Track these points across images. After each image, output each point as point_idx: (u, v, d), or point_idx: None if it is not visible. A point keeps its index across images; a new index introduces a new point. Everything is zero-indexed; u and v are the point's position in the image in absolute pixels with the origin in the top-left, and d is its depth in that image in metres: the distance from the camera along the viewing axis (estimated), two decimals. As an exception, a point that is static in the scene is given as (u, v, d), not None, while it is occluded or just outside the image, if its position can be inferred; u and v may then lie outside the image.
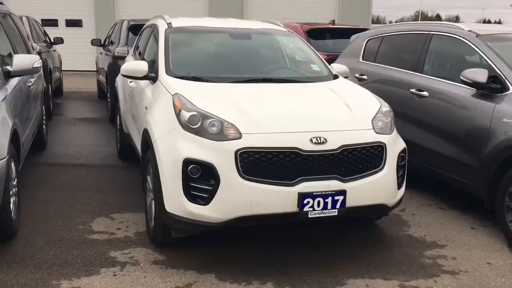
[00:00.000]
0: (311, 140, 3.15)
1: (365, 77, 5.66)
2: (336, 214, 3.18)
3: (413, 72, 4.97)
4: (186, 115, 3.24)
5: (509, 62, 4.14)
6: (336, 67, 4.66)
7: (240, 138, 3.09)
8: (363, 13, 16.82)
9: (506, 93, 3.96)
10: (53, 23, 16.25)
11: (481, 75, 4.04)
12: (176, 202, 3.13)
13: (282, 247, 3.63)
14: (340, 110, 3.53)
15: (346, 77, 4.61)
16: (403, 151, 3.60)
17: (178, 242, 3.54)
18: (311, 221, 3.17)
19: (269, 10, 16.04)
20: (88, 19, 16.62)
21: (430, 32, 4.95)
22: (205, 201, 3.06)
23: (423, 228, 4.12)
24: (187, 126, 3.21)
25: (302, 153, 3.11)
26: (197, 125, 3.18)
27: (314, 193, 3.10)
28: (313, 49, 4.76)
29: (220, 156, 3.05)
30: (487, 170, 3.97)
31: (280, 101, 3.60)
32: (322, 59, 4.63)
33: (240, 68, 4.18)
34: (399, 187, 3.54)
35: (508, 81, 3.98)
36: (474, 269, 3.44)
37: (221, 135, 3.12)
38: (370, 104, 3.70)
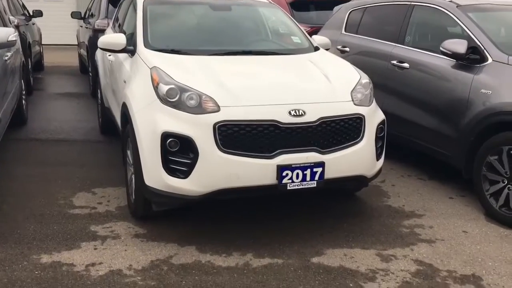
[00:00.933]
0: (289, 113, 3.15)
1: (347, 49, 5.64)
2: (315, 185, 3.21)
3: (394, 44, 4.96)
4: (164, 88, 3.21)
5: (489, 33, 4.15)
6: (317, 39, 4.64)
7: (218, 111, 3.08)
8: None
9: (484, 63, 3.98)
10: (32, -5, 15.79)
11: (460, 46, 4.04)
12: (155, 175, 3.13)
13: (263, 220, 3.67)
14: (319, 82, 3.52)
15: (327, 49, 4.59)
16: (382, 122, 3.62)
17: (159, 215, 3.56)
18: (290, 193, 3.21)
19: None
20: (68, -9, 16.20)
21: (412, 3, 4.92)
22: (184, 174, 3.07)
23: (402, 199, 4.19)
24: (165, 99, 3.18)
25: (281, 125, 3.11)
26: (175, 98, 3.16)
27: (292, 165, 3.12)
28: (294, 21, 4.71)
29: (199, 129, 3.04)
30: (465, 141, 4.02)
31: (259, 73, 3.58)
32: (303, 31, 4.60)
33: (220, 40, 4.13)
34: (378, 159, 3.57)
35: (487, 52, 3.99)
36: (450, 237, 3.52)
37: (199, 108, 3.11)
38: (350, 76, 3.69)
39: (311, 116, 3.19)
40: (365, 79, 3.70)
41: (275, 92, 3.28)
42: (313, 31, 6.60)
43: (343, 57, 5.49)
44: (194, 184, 3.06)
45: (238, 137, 3.06)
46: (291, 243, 3.34)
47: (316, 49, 4.32)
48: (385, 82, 4.90)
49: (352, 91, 3.49)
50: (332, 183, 3.31)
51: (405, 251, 3.30)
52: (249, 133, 3.08)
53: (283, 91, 3.30)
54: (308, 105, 3.23)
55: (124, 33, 4.46)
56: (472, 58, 4.05)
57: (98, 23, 7.58)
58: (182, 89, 3.17)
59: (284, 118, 3.12)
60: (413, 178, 4.71)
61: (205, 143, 3.03)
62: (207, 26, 4.32)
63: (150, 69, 3.44)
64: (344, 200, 4.12)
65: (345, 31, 5.89)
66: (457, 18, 4.35)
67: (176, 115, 3.12)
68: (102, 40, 4.04)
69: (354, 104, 3.42)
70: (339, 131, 3.29)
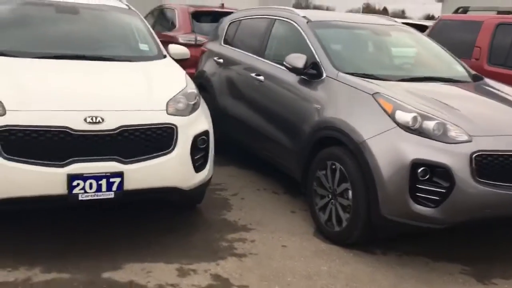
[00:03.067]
0: (85, 120, 3.03)
1: (221, 60, 5.59)
2: (113, 196, 3.09)
3: (256, 57, 4.94)
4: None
5: (330, 49, 4.18)
6: (173, 48, 4.55)
7: (3, 115, 2.93)
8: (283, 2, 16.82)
9: (320, 79, 4.00)
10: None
11: (299, 61, 4.05)
12: None
13: (67, 234, 3.48)
14: (134, 90, 3.43)
15: (185, 59, 4.53)
16: (204, 133, 3.52)
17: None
18: (83, 204, 3.07)
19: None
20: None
21: (274, 17, 4.94)
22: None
23: (243, 212, 4.11)
24: None
25: (73, 132, 2.98)
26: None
27: (84, 175, 2.99)
28: (150, 29, 4.63)
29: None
30: (302, 155, 4.00)
31: (69, 78, 3.44)
32: (156, 39, 4.50)
33: (52, 44, 3.96)
34: (198, 170, 3.47)
35: (323, 67, 4.02)
36: (265, 252, 3.44)
37: (-14, 112, 2.94)
38: (175, 85, 3.61)
39: (110, 123, 3.08)
40: (192, 89, 3.63)
41: (72, 97, 3.15)
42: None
43: (218, 69, 5.47)
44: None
45: (24, 143, 2.91)
46: (92, 256, 3.18)
47: (164, 57, 4.23)
48: (248, 94, 4.87)
49: (170, 100, 3.40)
50: (134, 194, 3.19)
51: (209, 266, 3.20)
52: (35, 140, 2.93)
53: (82, 97, 3.18)
54: (108, 112, 3.12)
55: None
56: (310, 73, 4.06)
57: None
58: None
59: (78, 125, 3.00)
60: (268, 191, 4.65)
61: (-13, 149, 2.86)
62: (42, 28, 4.13)
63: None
64: (181, 212, 4.00)
65: (223, 43, 5.85)
66: (305, 34, 4.38)
67: None
68: None
69: (168, 113, 3.33)
70: (144, 141, 3.19)
